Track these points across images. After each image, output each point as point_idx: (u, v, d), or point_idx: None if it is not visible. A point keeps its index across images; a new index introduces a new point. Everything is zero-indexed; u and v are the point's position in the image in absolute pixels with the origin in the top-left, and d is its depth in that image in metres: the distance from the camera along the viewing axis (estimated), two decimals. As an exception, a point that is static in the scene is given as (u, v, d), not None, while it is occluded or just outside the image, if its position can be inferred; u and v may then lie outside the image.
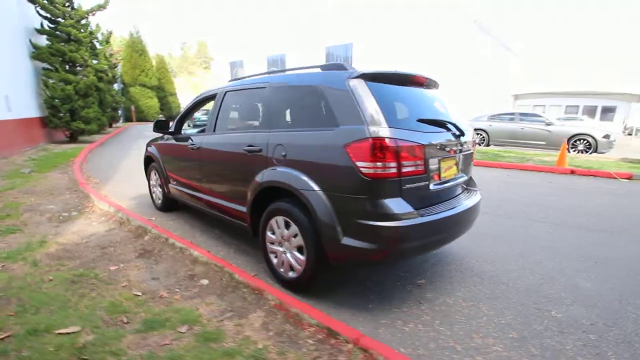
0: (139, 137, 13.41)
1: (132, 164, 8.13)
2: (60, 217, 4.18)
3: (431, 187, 2.29)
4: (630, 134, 18.39)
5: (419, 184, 2.20)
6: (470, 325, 2.16)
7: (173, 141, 4.03)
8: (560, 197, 5.28)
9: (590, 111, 22.44)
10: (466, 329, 2.12)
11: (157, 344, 1.86)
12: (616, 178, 6.50)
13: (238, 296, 2.39)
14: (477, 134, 11.33)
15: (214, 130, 3.32)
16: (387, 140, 2.01)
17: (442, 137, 2.40)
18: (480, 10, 15.90)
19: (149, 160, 4.73)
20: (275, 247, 2.63)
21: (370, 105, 2.11)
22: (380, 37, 16.42)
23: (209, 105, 3.73)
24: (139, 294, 2.39)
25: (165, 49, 72.01)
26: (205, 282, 2.58)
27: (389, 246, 2.08)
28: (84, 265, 2.83)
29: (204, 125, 4.41)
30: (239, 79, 3.40)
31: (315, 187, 2.23)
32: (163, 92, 26.46)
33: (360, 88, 2.18)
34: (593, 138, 9.57)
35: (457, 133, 2.55)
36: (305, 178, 2.29)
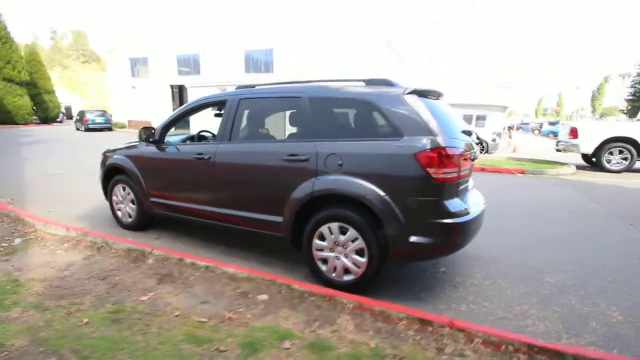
0: (17, 144, 10.93)
1: (38, 176, 6.70)
2: (0, 249, 3.30)
3: (468, 188, 2.72)
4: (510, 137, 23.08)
5: (464, 185, 2.61)
6: (503, 298, 2.65)
7: (160, 151, 3.61)
8: (490, 191, 6.51)
9: (468, 119, 27.46)
10: (503, 301, 2.60)
11: (275, 364, 1.79)
12: (514, 173, 8.27)
13: (311, 305, 2.40)
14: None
15: (230, 140, 3.15)
16: (451, 149, 2.34)
17: (470, 143, 2.86)
18: (392, 33, 17.84)
19: (112, 173, 4.09)
20: (325, 254, 2.71)
21: (429, 118, 2.42)
22: (301, 45, 16.92)
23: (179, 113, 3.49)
24: (204, 320, 2.18)
25: (28, 38, 58.93)
26: (264, 297, 2.48)
27: (451, 240, 2.42)
28: (103, 300, 2.39)
29: (181, 135, 4.07)
30: (247, 86, 3.30)
31: (381, 193, 2.42)
32: (36, 89, 22.01)
33: (417, 103, 2.47)
34: (485, 141, 11.84)
35: (476, 140, 3.06)
36: (369, 184, 2.46)
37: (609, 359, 1.88)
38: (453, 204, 2.42)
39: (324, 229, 2.68)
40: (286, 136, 3.02)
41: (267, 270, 3.02)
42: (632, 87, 34.88)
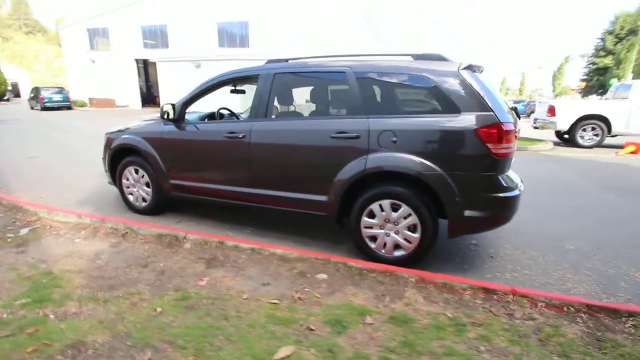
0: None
1: (13, 160, 6.09)
2: (9, 240, 3.01)
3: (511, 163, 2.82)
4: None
5: (512, 161, 2.70)
6: (538, 265, 2.85)
7: (181, 131, 3.39)
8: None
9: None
10: (540, 268, 2.80)
11: (367, 340, 1.82)
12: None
13: (373, 281, 2.43)
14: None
15: (266, 117, 3.02)
16: (508, 125, 2.40)
17: (516, 120, 2.89)
18: (371, 6, 17.50)
19: (120, 155, 3.79)
20: (374, 231, 2.74)
21: (487, 94, 2.45)
22: (278, 18, 16.24)
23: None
24: (276, 301, 2.15)
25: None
26: (323, 276, 2.48)
27: (503, 213, 2.53)
28: (160, 288, 2.27)
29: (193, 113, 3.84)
30: (279, 60, 3.14)
31: (438, 169, 2.46)
32: (-24, 62, 19.51)
33: (473, 78, 2.49)
34: None
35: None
36: (426, 161, 2.48)
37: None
38: (506, 179, 2.51)
39: (374, 206, 2.69)
40: (328, 113, 2.93)
41: (310, 248, 3.01)
42: (586, 67, 37.27)
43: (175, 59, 15.33)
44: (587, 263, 2.90)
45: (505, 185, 2.47)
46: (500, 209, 2.50)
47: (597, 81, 35.64)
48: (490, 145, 2.37)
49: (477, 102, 2.42)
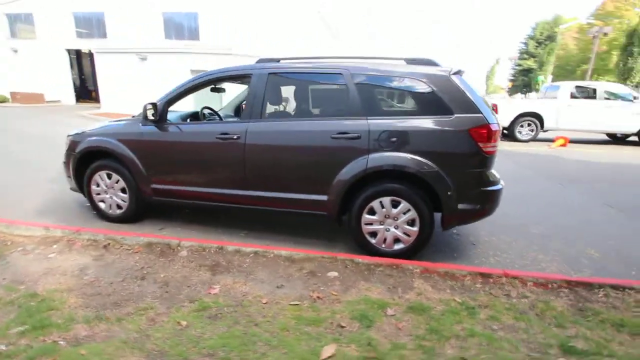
0: None
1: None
2: (-36, 262, 2.62)
3: None
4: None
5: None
6: (514, 249, 3.20)
7: (164, 132, 3.19)
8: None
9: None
10: (515, 251, 3.15)
11: (396, 331, 1.92)
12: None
13: (381, 275, 2.55)
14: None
15: (261, 117, 2.97)
16: (494, 125, 2.66)
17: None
18: (325, 3, 17.63)
19: (88, 159, 3.46)
20: (375, 227, 2.86)
21: (475, 97, 2.68)
22: (230, 11, 15.68)
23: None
24: (297, 302, 2.16)
25: None
26: (334, 274, 2.54)
27: (490, 205, 2.80)
28: (172, 300, 2.14)
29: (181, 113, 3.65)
30: (270, 60, 3.10)
31: (435, 166, 2.64)
32: None
33: (462, 82, 2.70)
34: None
35: None
36: (424, 160, 2.65)
37: (620, 283, 2.49)
38: (492, 174, 2.78)
39: (375, 203, 2.81)
40: (326, 114, 2.97)
41: (309, 247, 3.05)
42: (513, 68, 41.45)
43: (117, 50, 14.03)
44: (551, 245, 3.32)
45: (492, 180, 2.74)
46: (488, 202, 2.77)
47: (522, 81, 39.85)
48: (480, 144, 2.61)
49: (467, 104, 2.65)
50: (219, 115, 3.93)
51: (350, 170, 2.78)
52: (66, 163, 3.63)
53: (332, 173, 2.84)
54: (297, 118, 2.94)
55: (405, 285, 2.43)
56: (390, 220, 2.82)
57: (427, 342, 1.81)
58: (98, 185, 3.50)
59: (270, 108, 3.00)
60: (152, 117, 3.10)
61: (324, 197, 2.90)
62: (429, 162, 2.65)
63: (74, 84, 18.20)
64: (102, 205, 3.56)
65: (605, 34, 20.11)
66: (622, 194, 5.08)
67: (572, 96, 9.59)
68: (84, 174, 3.50)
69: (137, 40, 15.47)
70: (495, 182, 2.76)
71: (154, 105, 3.10)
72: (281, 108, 3.10)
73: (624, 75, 20.05)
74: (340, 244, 3.25)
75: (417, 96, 2.78)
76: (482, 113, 2.63)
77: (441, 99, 2.67)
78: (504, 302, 2.27)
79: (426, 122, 2.68)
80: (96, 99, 18.34)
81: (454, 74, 2.73)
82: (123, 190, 3.43)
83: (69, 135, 3.63)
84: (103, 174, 3.43)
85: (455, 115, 2.64)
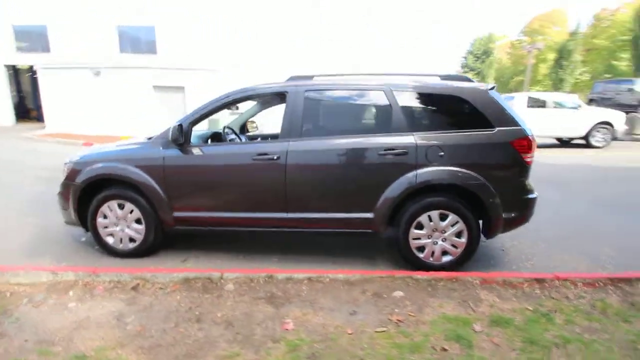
0: None
1: None
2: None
3: None
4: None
5: None
6: (540, 253, 3.37)
7: (189, 155, 2.93)
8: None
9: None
10: (544, 255, 3.31)
11: (495, 347, 1.91)
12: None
13: (444, 289, 2.53)
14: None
15: (301, 136, 2.85)
16: (532, 137, 2.80)
17: None
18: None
19: (92, 188, 3.06)
20: (422, 241, 2.86)
21: (513, 111, 2.82)
22: (188, 25, 15.16)
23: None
24: (382, 329, 2.05)
25: None
26: (400, 293, 2.46)
27: (528, 212, 2.92)
28: (251, 344, 1.92)
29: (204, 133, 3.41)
30: (305, 77, 3.01)
31: (482, 178, 2.72)
32: None
33: (499, 97, 2.83)
34: None
35: None
36: (471, 172, 2.72)
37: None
38: (530, 183, 2.92)
39: (423, 218, 2.81)
40: (369, 130, 2.92)
41: (351, 267, 2.96)
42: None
43: (67, 65, 12.80)
44: (569, 245, 3.53)
45: (530, 188, 2.88)
46: (527, 209, 2.89)
47: (465, 92, 43.29)
48: (522, 155, 2.74)
49: (506, 117, 2.78)
50: (238, 136, 3.72)
51: (398, 187, 2.75)
52: (63, 194, 3.18)
53: (379, 190, 2.80)
54: (339, 136, 2.86)
55: (473, 298, 2.43)
56: (438, 234, 2.84)
57: (535, 355, 1.81)
58: (105, 217, 3.10)
59: (309, 126, 2.90)
60: (179, 140, 2.83)
61: (370, 215, 2.85)
62: (476, 174, 2.72)
63: (12, 102, 16.26)
64: (109, 239, 3.15)
65: (539, 49, 22.68)
66: (600, 193, 5.62)
67: (527, 106, 10.58)
68: (85, 206, 3.10)
69: (87, 55, 14.32)
70: (532, 191, 2.90)
71: (181, 126, 2.84)
72: (322, 126, 3.00)
73: (555, 85, 22.69)
74: (379, 260, 3.20)
75: (458, 111, 2.85)
76: (521, 125, 2.77)
77: (482, 114, 2.77)
78: (567, 304, 2.36)
79: (470, 136, 2.75)
80: (37, 119, 16.55)
81: (490, 89, 2.86)
82: (138, 221, 3.07)
83: (66, 163, 3.19)
84: (113, 204, 3.05)
85: (497, 128, 2.75)
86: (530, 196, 2.85)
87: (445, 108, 2.90)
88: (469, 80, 2.92)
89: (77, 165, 3.11)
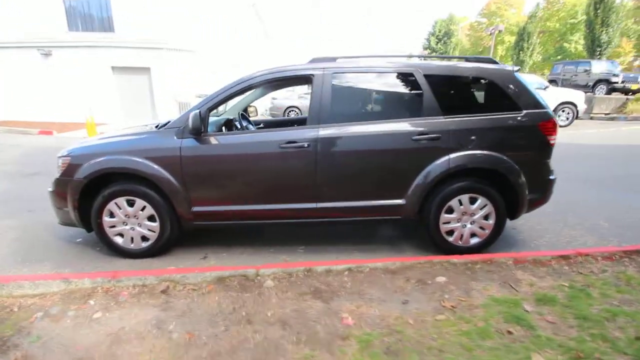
0: None
1: None
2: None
3: None
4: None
5: None
6: (552, 230, 3.54)
7: (207, 145, 2.70)
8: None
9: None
10: (555, 232, 3.49)
11: (552, 326, 1.97)
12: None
13: (482, 271, 2.57)
14: (292, 110, 12.87)
15: (331, 122, 2.71)
16: (555, 119, 2.87)
17: None
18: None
19: (96, 184, 2.75)
20: (452, 225, 2.89)
21: (537, 93, 2.86)
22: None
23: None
24: (441, 317, 2.05)
25: None
26: (443, 279, 2.47)
27: (549, 193, 3.02)
28: (319, 343, 1.83)
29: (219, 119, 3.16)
30: (327, 59, 2.84)
31: (510, 161, 2.77)
32: None
33: (523, 79, 2.86)
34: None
35: None
36: (502, 155, 2.75)
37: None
38: (551, 164, 3.02)
39: (453, 202, 2.82)
40: (400, 115, 2.83)
41: (378, 255, 2.94)
42: (420, 62, 45.61)
43: (10, 44, 11.29)
44: (570, 221, 3.74)
45: (552, 169, 2.98)
46: (548, 190, 2.99)
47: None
48: (548, 137, 2.81)
49: (533, 100, 2.81)
50: (250, 123, 3.47)
51: (432, 172, 2.73)
52: (57, 192, 2.83)
53: (411, 176, 2.76)
54: (370, 121, 2.76)
55: (512, 278, 2.51)
56: (467, 217, 2.87)
57: (594, 331, 1.90)
58: (112, 216, 2.80)
59: (338, 111, 2.76)
60: (200, 129, 2.58)
61: (401, 201, 2.81)
62: (505, 157, 2.75)
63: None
64: (118, 239, 2.87)
65: (500, 31, 23.53)
66: (573, 169, 6.01)
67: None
68: (85, 204, 2.78)
69: (33, 34, 12.75)
70: (553, 172, 3.00)
71: (199, 113, 2.58)
72: (350, 111, 2.87)
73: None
74: (404, 245, 3.21)
75: (487, 94, 2.85)
76: (546, 108, 2.83)
77: (509, 96, 2.79)
78: (595, 279, 2.50)
79: (500, 119, 2.77)
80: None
81: (517, 70, 2.87)
82: (151, 219, 2.81)
83: (60, 157, 2.82)
84: (122, 201, 2.76)
85: (525, 111, 2.78)
86: (551, 177, 2.95)
87: (475, 91, 2.88)
88: (495, 62, 2.91)
89: (76, 159, 2.76)
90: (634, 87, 13.63)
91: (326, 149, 2.68)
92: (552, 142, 2.84)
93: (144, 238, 2.87)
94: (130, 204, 2.78)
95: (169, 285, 2.39)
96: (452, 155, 2.72)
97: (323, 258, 2.92)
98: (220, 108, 3.62)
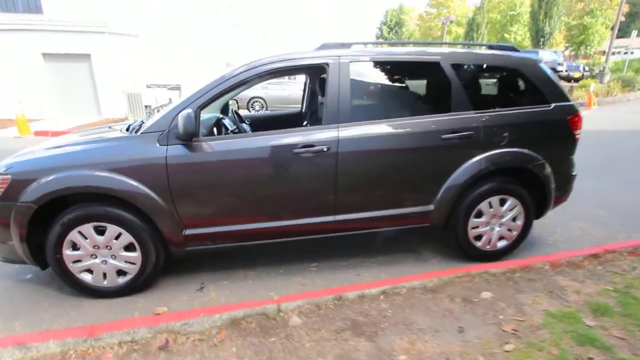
0: None
1: None
2: None
3: None
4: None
5: None
6: (557, 224, 3.41)
7: (200, 152, 2.15)
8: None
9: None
10: (562, 226, 3.36)
11: (620, 343, 1.79)
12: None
13: (523, 281, 2.37)
14: (256, 101, 12.10)
15: (351, 119, 2.29)
16: (580, 113, 2.72)
17: None
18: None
19: (50, 208, 2.09)
20: (480, 229, 2.65)
21: (561, 84, 2.68)
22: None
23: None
24: (509, 348, 1.78)
25: None
26: (488, 294, 2.21)
27: (570, 190, 2.88)
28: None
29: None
30: (344, 45, 2.40)
31: (541, 158, 2.57)
32: None
33: (548, 70, 2.65)
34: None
35: None
36: (533, 153, 2.53)
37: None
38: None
39: (483, 205, 2.57)
40: (426, 109, 2.48)
41: (402, 268, 2.64)
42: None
43: None
44: (574, 212, 3.64)
45: (575, 164, 2.84)
46: (570, 186, 2.85)
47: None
48: (575, 132, 2.64)
49: (559, 92, 2.62)
50: (245, 122, 2.93)
51: (464, 173, 2.44)
52: (10, 219, 2.11)
53: (441, 178, 2.46)
54: (396, 118, 2.37)
55: (555, 286, 2.32)
56: (496, 219, 2.65)
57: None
58: (76, 248, 2.16)
59: (359, 107, 2.35)
60: (193, 133, 2.02)
61: (430, 207, 2.50)
62: (537, 155, 2.54)
63: None
64: (86, 277, 2.24)
65: (452, 21, 24.32)
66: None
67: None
68: (37, 234, 2.12)
69: None
70: (575, 167, 2.86)
71: (194, 114, 2.01)
72: (372, 106, 2.47)
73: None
74: (424, 250, 2.92)
75: (516, 86, 2.61)
76: (571, 101, 2.65)
77: (537, 88, 2.57)
78: (631, 278, 2.40)
79: (531, 114, 2.54)
80: None
81: (541, 60, 2.65)
82: (129, 248, 2.22)
83: (5, 173, 2.09)
84: (88, 228, 2.13)
85: (553, 104, 2.58)
86: (574, 173, 2.82)
87: (504, 82, 2.63)
88: (517, 49, 2.67)
89: (19, 176, 2.06)
90: (577, 75, 14.76)
91: (348, 152, 2.27)
92: (577, 137, 2.69)
93: (121, 273, 2.27)
94: (100, 231, 2.16)
95: (168, 339, 1.86)
96: (485, 155, 2.45)
97: (342, 276, 2.53)
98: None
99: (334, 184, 2.30)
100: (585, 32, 31.32)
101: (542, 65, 2.62)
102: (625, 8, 25.47)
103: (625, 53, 31.09)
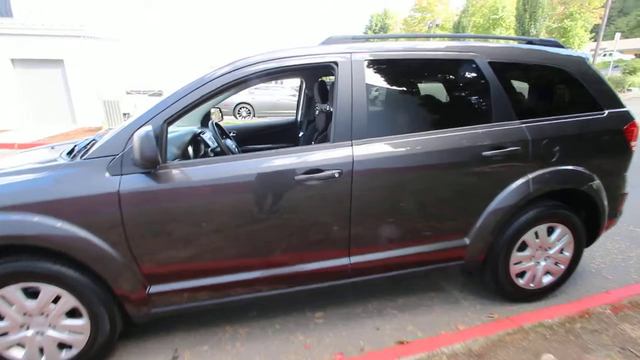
0: None
1: None
2: None
3: None
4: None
5: None
6: (593, 246, 2.97)
7: (174, 182, 1.58)
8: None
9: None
10: (600, 249, 2.90)
11: None
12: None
13: (588, 333, 1.87)
14: (242, 107, 11.50)
15: (368, 135, 1.76)
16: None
17: None
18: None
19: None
20: (524, 265, 2.16)
21: (612, 87, 2.22)
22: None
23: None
24: None
25: None
26: (550, 357, 1.71)
27: (621, 212, 2.40)
28: None
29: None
30: (356, 39, 1.88)
31: (596, 178, 2.10)
32: None
33: (598, 69, 2.20)
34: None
35: None
36: (587, 171, 2.07)
37: None
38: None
39: (528, 235, 2.08)
40: (457, 120, 1.96)
41: (430, 316, 2.12)
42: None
43: None
44: (615, 234, 3.12)
45: (627, 181, 2.38)
46: (622, 208, 2.39)
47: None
48: (631, 144, 2.19)
49: (612, 97, 2.16)
50: (229, 136, 2.36)
51: (508, 198, 1.94)
52: None
53: (480, 205, 1.96)
54: (423, 132, 1.86)
55: (626, 339, 1.83)
56: (541, 252, 2.16)
57: None
58: (4, 320, 1.56)
59: (377, 119, 1.83)
60: (153, 159, 1.45)
61: (465, 240, 2.00)
62: (592, 173, 2.07)
63: None
64: (15, 354, 1.63)
65: (437, 25, 24.27)
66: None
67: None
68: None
69: None
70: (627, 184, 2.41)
71: (153, 133, 1.45)
72: (392, 118, 1.95)
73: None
74: (448, 286, 2.43)
75: (565, 89, 2.14)
76: (626, 107, 2.20)
77: (587, 91, 2.11)
78: None
79: (584, 123, 2.06)
80: None
81: (589, 58, 2.20)
82: (72, 314, 1.63)
83: None
84: (13, 291, 1.53)
85: (607, 111, 2.12)
86: (626, 192, 2.36)
87: (552, 85, 2.15)
88: (562, 45, 2.21)
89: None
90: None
91: (365, 177, 1.74)
92: (633, 149, 2.23)
93: (62, 346, 1.67)
94: (31, 294, 1.56)
95: None
96: (533, 174, 1.96)
97: (358, 331, 2.00)
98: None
99: (347, 218, 1.77)
100: (566, 34, 31.89)
101: (591, 64, 2.16)
102: (602, 11, 26.00)
103: (604, 55, 31.81)
